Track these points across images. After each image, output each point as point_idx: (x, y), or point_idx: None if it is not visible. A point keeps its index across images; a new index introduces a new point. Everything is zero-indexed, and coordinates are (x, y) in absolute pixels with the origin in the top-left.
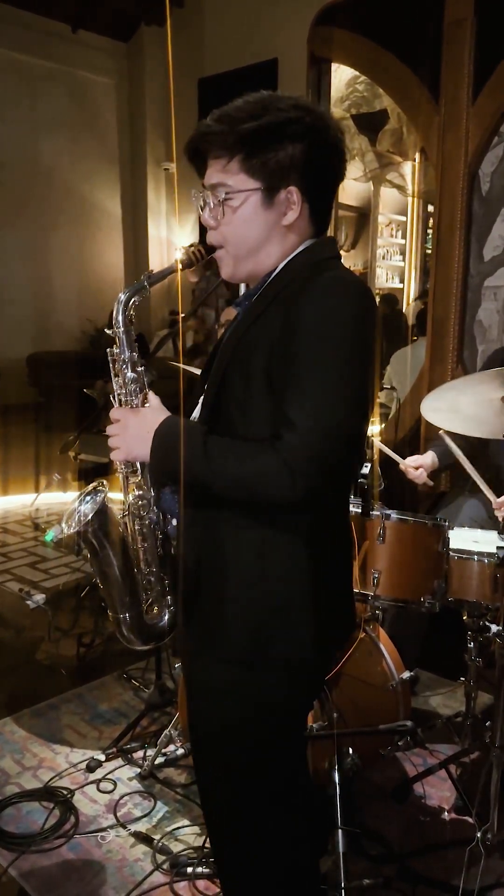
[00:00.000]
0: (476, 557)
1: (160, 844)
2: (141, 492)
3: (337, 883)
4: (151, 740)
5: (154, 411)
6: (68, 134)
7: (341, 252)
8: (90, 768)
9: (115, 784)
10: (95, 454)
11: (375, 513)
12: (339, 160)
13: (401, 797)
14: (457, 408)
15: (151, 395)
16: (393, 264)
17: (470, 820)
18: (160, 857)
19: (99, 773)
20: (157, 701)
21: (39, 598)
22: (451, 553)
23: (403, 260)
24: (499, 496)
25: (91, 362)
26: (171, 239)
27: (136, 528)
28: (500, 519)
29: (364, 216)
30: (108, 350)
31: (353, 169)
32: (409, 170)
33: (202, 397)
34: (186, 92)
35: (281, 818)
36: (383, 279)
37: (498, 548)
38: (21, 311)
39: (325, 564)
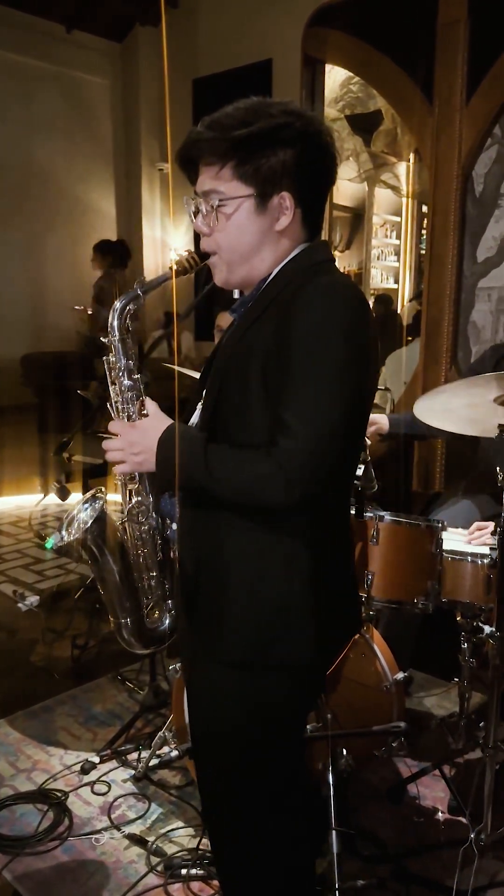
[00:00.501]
0: (469, 558)
1: (154, 846)
2: (140, 497)
3: (331, 884)
4: (146, 742)
5: (153, 421)
6: (63, 134)
7: (336, 253)
8: (84, 770)
9: (109, 786)
10: (90, 456)
11: (369, 514)
12: (330, 164)
13: (395, 798)
14: (450, 408)
15: (149, 402)
16: (388, 265)
17: (464, 820)
18: (154, 859)
19: (93, 776)
20: (152, 703)
21: (32, 600)
22: (444, 554)
23: (398, 260)
24: (494, 497)
25: (85, 363)
26: (165, 239)
27: (136, 533)
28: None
29: (358, 217)
30: (104, 358)
31: (348, 169)
32: (403, 170)
33: (200, 403)
34: (181, 92)
35: (280, 819)
36: (378, 280)
37: (491, 549)
38: (15, 312)
39: (326, 566)
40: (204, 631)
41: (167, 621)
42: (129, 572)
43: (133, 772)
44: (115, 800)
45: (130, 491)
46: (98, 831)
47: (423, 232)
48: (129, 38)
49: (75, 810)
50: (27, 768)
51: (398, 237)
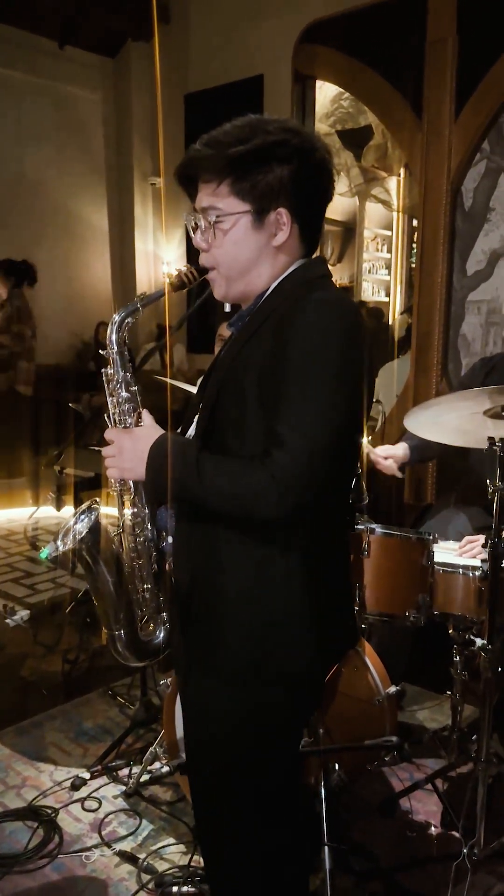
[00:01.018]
0: (461, 571)
1: (145, 864)
2: (136, 509)
3: None
4: (137, 758)
5: (148, 430)
6: (55, 148)
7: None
8: (75, 787)
9: (99, 802)
10: (82, 468)
11: (360, 526)
12: (327, 181)
13: (387, 811)
14: (440, 421)
15: (145, 414)
16: (379, 278)
17: (456, 834)
18: (145, 877)
19: (84, 792)
20: (143, 718)
21: (22, 614)
22: (436, 566)
23: (389, 274)
24: (485, 508)
25: (77, 376)
26: (157, 253)
27: (131, 544)
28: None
29: (350, 231)
30: (102, 371)
31: (339, 184)
32: (393, 185)
33: (197, 416)
34: (173, 107)
35: (275, 834)
36: (369, 293)
37: (482, 561)
38: None
39: (322, 579)
40: (199, 645)
41: (161, 634)
42: (123, 584)
43: (124, 788)
44: (106, 816)
45: (126, 502)
46: (88, 848)
47: (414, 246)
48: (121, 54)
49: (65, 827)
50: (17, 784)
51: (389, 251)
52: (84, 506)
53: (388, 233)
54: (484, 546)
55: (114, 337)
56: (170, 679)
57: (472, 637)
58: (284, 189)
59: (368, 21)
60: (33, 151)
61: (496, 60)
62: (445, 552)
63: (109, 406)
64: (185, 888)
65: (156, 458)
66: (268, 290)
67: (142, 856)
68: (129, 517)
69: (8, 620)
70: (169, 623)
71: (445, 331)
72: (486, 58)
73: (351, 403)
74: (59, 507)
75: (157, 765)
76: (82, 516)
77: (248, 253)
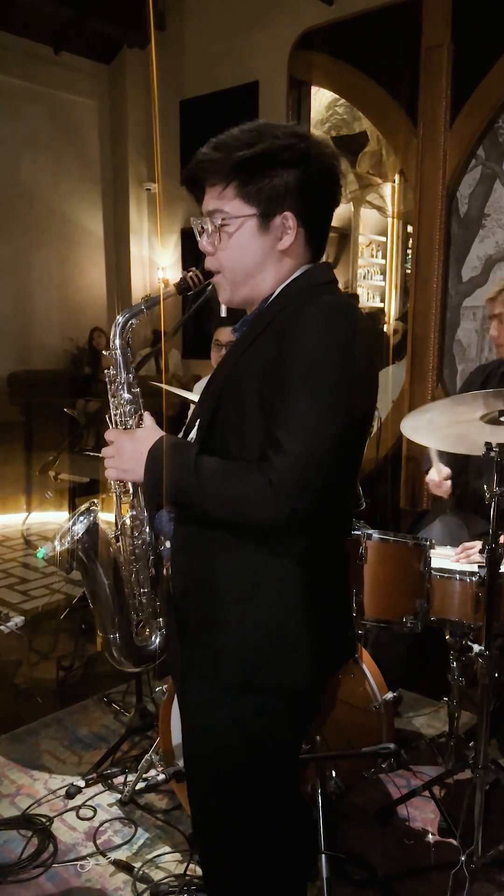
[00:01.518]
0: (458, 577)
1: (141, 873)
2: (134, 512)
3: None
4: (132, 765)
5: (148, 431)
6: (50, 154)
7: None
8: (69, 795)
9: (94, 811)
10: (77, 474)
11: (357, 532)
12: (334, 186)
13: (384, 819)
14: (436, 427)
15: (147, 416)
16: (374, 284)
17: (454, 842)
18: (141, 886)
19: (78, 800)
20: (138, 725)
21: (17, 621)
22: (432, 572)
23: (384, 279)
24: (481, 514)
25: (72, 381)
26: (153, 258)
27: (129, 548)
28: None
29: (345, 236)
30: (104, 371)
31: None
32: (388, 191)
33: (198, 421)
34: (168, 113)
35: (273, 843)
36: (364, 298)
37: (479, 566)
38: (1, 330)
39: (321, 586)
40: (196, 651)
41: (157, 640)
42: (120, 587)
43: (119, 796)
44: (101, 825)
45: (125, 505)
46: (83, 858)
47: (409, 251)
48: (116, 60)
49: (60, 836)
50: (11, 793)
51: (384, 257)
52: (82, 507)
53: (383, 238)
54: (481, 552)
55: (117, 339)
56: (165, 686)
57: (468, 643)
58: (291, 193)
59: (363, 28)
60: (28, 157)
61: (491, 67)
62: (442, 558)
63: (111, 407)
64: None
65: (154, 459)
66: (272, 294)
67: (137, 865)
68: (128, 520)
69: (2, 627)
70: (165, 629)
71: (441, 336)
72: (480, 65)
73: (352, 409)
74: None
75: (152, 772)
76: (80, 517)
77: (253, 256)
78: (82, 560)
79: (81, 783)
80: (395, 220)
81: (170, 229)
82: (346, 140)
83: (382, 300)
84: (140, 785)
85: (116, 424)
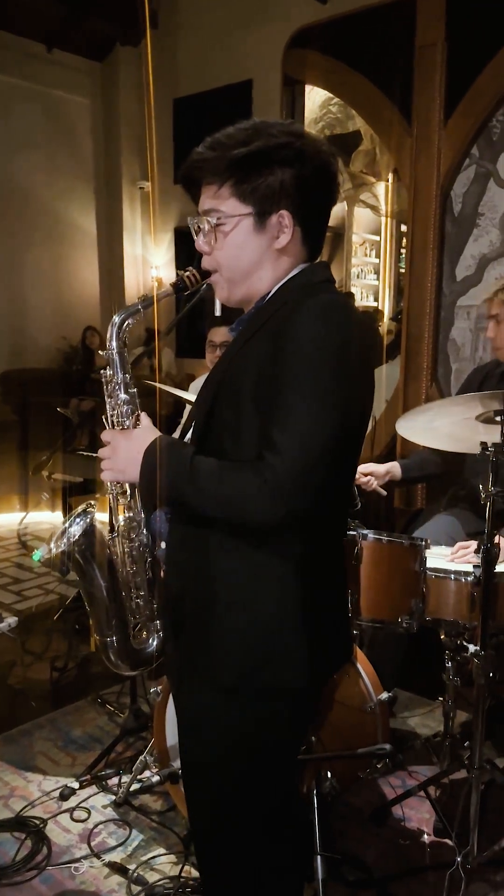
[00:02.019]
0: (453, 576)
1: (136, 875)
2: (131, 513)
3: None
4: (126, 766)
5: (144, 432)
6: (43, 152)
7: None
8: (63, 796)
9: (89, 812)
10: (70, 474)
11: (352, 532)
12: (330, 184)
13: (380, 820)
14: (432, 427)
15: (143, 416)
16: (367, 283)
17: (450, 843)
18: (136, 888)
19: (72, 802)
20: (133, 726)
21: (10, 621)
22: (428, 572)
23: (377, 278)
24: (476, 513)
25: (65, 380)
26: (146, 257)
27: (126, 549)
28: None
29: (338, 236)
30: (101, 371)
31: None
32: (382, 190)
33: (194, 421)
34: (162, 111)
35: (271, 845)
36: (358, 297)
37: (475, 566)
38: None
39: (318, 587)
40: (192, 654)
41: (154, 642)
42: (116, 589)
43: (113, 797)
44: (95, 826)
45: (121, 506)
46: (77, 860)
47: (402, 250)
48: (109, 58)
49: (54, 838)
50: (4, 795)
51: (377, 256)
52: (79, 508)
53: (377, 238)
54: (476, 552)
55: (114, 340)
56: (160, 687)
57: (464, 643)
58: (286, 192)
59: (358, 27)
60: (21, 155)
61: (485, 66)
62: (437, 557)
63: (107, 407)
64: None
65: (150, 460)
66: (269, 293)
67: (132, 867)
68: (124, 522)
69: None
70: (162, 631)
71: (435, 336)
72: (475, 64)
73: (348, 409)
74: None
75: (147, 774)
76: (77, 519)
77: (249, 255)
78: (79, 562)
79: (75, 785)
80: (389, 218)
81: (163, 228)
82: (340, 139)
83: (376, 299)
84: (134, 786)
85: (113, 425)
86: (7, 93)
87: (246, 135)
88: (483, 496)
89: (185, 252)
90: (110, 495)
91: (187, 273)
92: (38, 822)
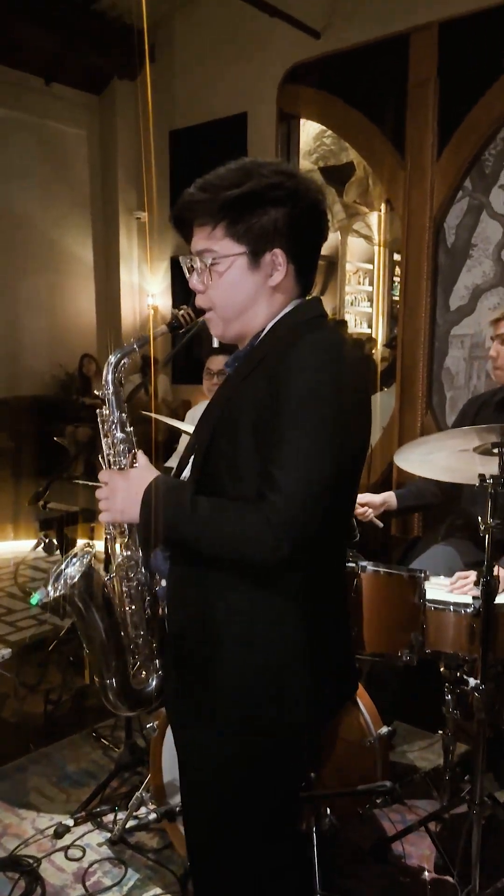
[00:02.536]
0: (452, 608)
1: None
2: (129, 552)
3: None
4: (122, 803)
5: (142, 471)
6: (40, 182)
7: None
8: (58, 834)
9: (83, 851)
10: (66, 503)
11: (351, 564)
12: (321, 221)
13: (379, 856)
14: (429, 459)
15: (140, 455)
16: (361, 310)
17: (451, 880)
18: None
19: (67, 839)
20: (128, 761)
21: (3, 653)
22: (427, 604)
23: (371, 306)
24: (475, 542)
25: (61, 407)
26: (143, 285)
27: (124, 589)
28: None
29: (332, 264)
30: (97, 411)
31: None
32: (375, 220)
33: (192, 458)
34: (158, 143)
35: (272, 886)
36: (352, 324)
37: (474, 598)
38: None
39: (319, 625)
40: (193, 693)
41: (154, 682)
42: (115, 630)
43: (109, 835)
44: (90, 865)
45: (119, 545)
46: None
47: (395, 278)
48: (106, 92)
49: (48, 878)
50: None
51: (371, 284)
52: (76, 549)
53: (370, 266)
54: (476, 584)
55: (109, 378)
56: (157, 722)
57: (464, 675)
58: (279, 231)
59: (351, 63)
60: (19, 186)
61: (477, 101)
62: (436, 588)
63: (104, 447)
64: None
65: (150, 500)
66: (264, 330)
67: None
68: (122, 561)
69: None
70: (162, 669)
71: (429, 365)
72: (467, 99)
73: (347, 445)
74: (51, 552)
75: (143, 810)
76: (74, 560)
77: (244, 294)
78: (77, 605)
79: (70, 822)
80: (382, 248)
81: (160, 257)
82: (334, 170)
83: (370, 326)
84: (130, 823)
85: (110, 465)
86: (5, 124)
87: (237, 176)
88: (482, 528)
89: (182, 281)
90: (108, 535)
91: (182, 311)
92: (31, 861)
